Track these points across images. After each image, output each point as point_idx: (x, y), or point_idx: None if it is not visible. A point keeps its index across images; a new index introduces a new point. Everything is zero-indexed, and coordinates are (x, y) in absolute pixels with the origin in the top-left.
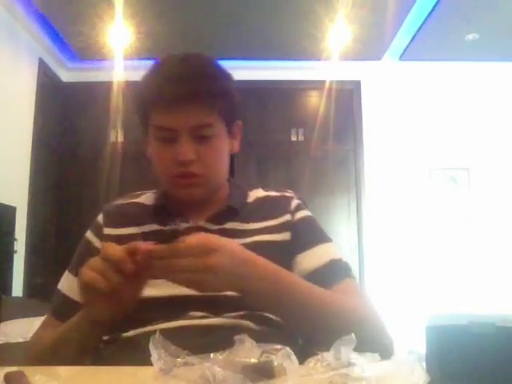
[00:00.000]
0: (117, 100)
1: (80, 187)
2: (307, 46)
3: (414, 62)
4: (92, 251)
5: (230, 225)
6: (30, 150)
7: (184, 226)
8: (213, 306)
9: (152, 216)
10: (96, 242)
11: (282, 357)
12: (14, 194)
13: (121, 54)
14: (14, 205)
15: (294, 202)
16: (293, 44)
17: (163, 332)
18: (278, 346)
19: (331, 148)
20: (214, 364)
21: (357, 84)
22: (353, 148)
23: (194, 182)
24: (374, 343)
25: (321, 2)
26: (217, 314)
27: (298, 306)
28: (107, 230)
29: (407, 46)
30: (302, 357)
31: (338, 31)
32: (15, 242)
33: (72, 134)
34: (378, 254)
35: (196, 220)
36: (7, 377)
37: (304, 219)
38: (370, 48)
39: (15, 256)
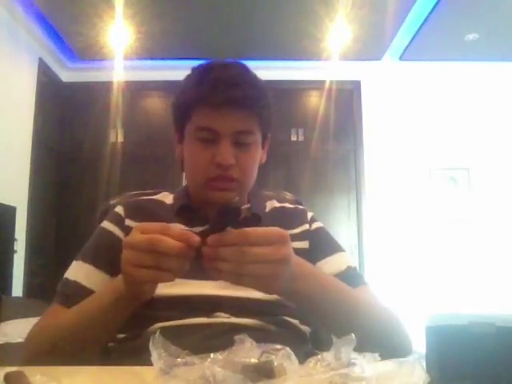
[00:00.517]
0: (117, 100)
1: (80, 187)
2: (307, 45)
3: (413, 62)
4: (114, 241)
5: None
6: (30, 150)
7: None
8: (237, 308)
9: (175, 215)
10: (117, 232)
11: (282, 357)
12: (14, 194)
13: (121, 54)
14: (14, 205)
15: (309, 214)
16: (293, 44)
17: (186, 328)
18: (278, 346)
19: (331, 148)
20: (214, 364)
21: (357, 84)
22: (353, 148)
23: (230, 187)
24: (399, 341)
25: (321, 2)
26: (241, 317)
27: (338, 303)
28: (129, 222)
29: (407, 46)
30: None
31: (337, 31)
32: (15, 242)
33: (72, 133)
34: (378, 253)
35: None
36: (7, 377)
37: (320, 229)
38: (370, 48)
39: (15, 256)
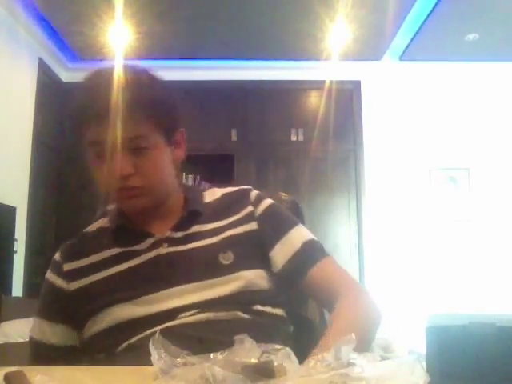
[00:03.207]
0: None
1: (80, 187)
2: (307, 45)
3: (413, 62)
4: (56, 291)
5: (195, 228)
6: (30, 150)
7: (150, 241)
8: (207, 306)
9: (113, 239)
10: (57, 281)
11: (282, 357)
12: (14, 194)
13: (121, 54)
14: (14, 205)
15: (253, 193)
16: (293, 44)
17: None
18: (278, 346)
19: (331, 148)
20: (214, 364)
21: (357, 84)
22: (353, 148)
23: (136, 194)
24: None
25: (321, 2)
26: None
27: None
28: (67, 266)
29: (407, 46)
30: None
31: (338, 31)
32: (15, 242)
33: (72, 133)
34: (378, 253)
35: (160, 233)
36: (7, 377)
37: (268, 208)
38: (370, 48)
39: (15, 256)
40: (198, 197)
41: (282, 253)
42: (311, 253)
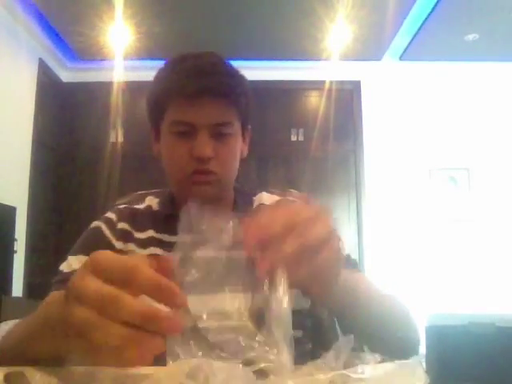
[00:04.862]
0: (117, 100)
1: (80, 187)
2: (307, 45)
3: (413, 62)
4: (104, 239)
5: None
6: (29, 150)
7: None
8: None
9: (160, 225)
10: (107, 232)
11: (281, 356)
12: (14, 194)
13: (121, 54)
14: (14, 205)
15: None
16: (293, 44)
17: None
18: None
19: (331, 148)
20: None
21: (357, 84)
22: (353, 148)
23: (209, 180)
24: (407, 330)
25: (321, 2)
26: None
27: (353, 295)
28: (120, 225)
29: (407, 46)
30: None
31: (337, 31)
32: (15, 242)
33: (72, 134)
34: (378, 253)
35: None
36: (7, 377)
37: None
38: (370, 48)
39: (15, 256)
40: (248, 203)
41: None
42: (348, 266)
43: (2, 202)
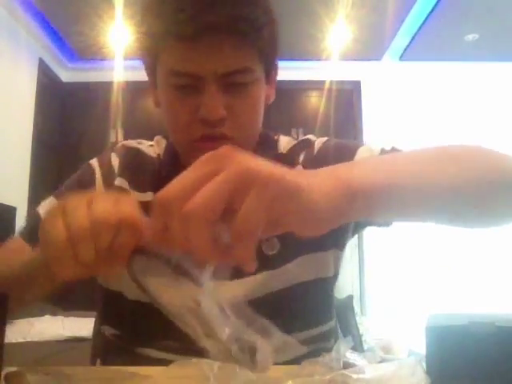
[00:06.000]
0: (117, 100)
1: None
2: (307, 45)
3: (413, 62)
4: (95, 184)
5: None
6: (29, 150)
7: None
8: None
9: (162, 185)
10: (100, 181)
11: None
12: (14, 194)
13: (121, 53)
14: (14, 205)
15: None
16: (293, 44)
17: None
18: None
19: None
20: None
21: (357, 84)
22: None
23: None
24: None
25: (321, 2)
26: None
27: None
28: (118, 182)
29: (407, 46)
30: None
31: (338, 31)
32: None
33: (72, 133)
34: (378, 253)
35: None
36: (7, 377)
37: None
38: (369, 48)
39: None
40: (272, 144)
41: None
42: None
43: (2, 202)
